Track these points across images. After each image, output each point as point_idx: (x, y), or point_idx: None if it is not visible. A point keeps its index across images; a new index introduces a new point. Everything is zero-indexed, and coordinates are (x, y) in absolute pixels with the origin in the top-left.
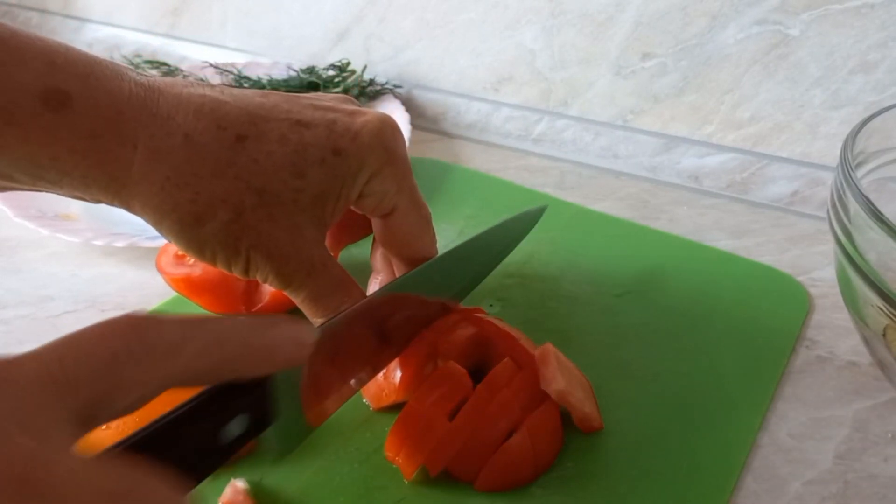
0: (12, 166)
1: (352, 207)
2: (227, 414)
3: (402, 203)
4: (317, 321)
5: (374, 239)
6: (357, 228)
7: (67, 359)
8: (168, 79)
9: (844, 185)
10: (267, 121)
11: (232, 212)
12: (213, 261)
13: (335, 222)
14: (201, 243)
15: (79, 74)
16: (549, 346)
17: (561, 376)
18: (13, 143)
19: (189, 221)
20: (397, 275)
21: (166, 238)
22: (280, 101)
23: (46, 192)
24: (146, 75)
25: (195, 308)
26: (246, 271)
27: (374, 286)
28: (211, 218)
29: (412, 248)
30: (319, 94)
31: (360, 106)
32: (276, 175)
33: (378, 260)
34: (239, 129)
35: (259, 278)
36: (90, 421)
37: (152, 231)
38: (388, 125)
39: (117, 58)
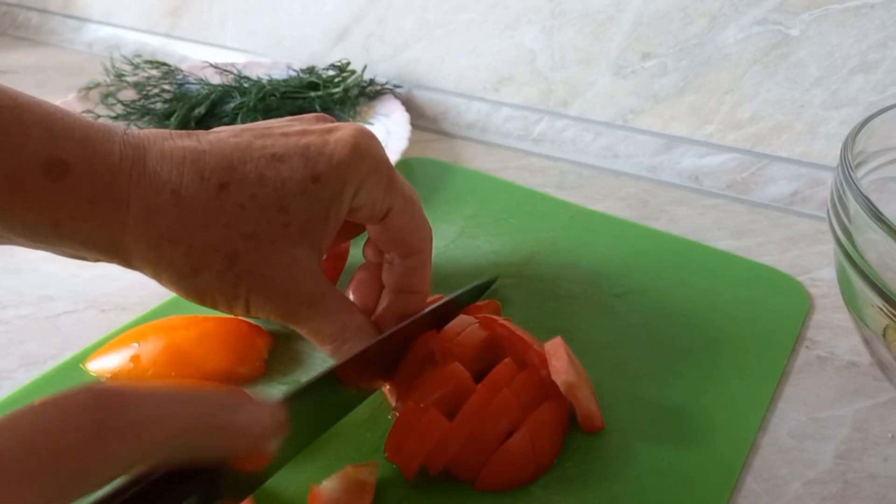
0: (13, 231)
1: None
2: (176, 497)
3: (395, 204)
4: (325, 349)
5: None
6: (343, 235)
7: (51, 431)
8: (152, 133)
9: (844, 185)
10: (244, 162)
11: (226, 260)
12: (213, 305)
13: (329, 245)
14: (200, 292)
15: (75, 140)
16: (560, 340)
17: (572, 368)
18: (17, 210)
19: (186, 273)
20: (384, 266)
21: (166, 288)
22: (253, 139)
23: (46, 251)
24: (132, 133)
25: (197, 308)
26: (248, 311)
27: (360, 273)
28: (206, 268)
29: (412, 241)
30: (294, 117)
31: (334, 121)
32: (262, 216)
33: (370, 252)
34: (221, 178)
35: (261, 316)
36: (65, 498)
37: None
38: (362, 135)
39: (117, 58)
